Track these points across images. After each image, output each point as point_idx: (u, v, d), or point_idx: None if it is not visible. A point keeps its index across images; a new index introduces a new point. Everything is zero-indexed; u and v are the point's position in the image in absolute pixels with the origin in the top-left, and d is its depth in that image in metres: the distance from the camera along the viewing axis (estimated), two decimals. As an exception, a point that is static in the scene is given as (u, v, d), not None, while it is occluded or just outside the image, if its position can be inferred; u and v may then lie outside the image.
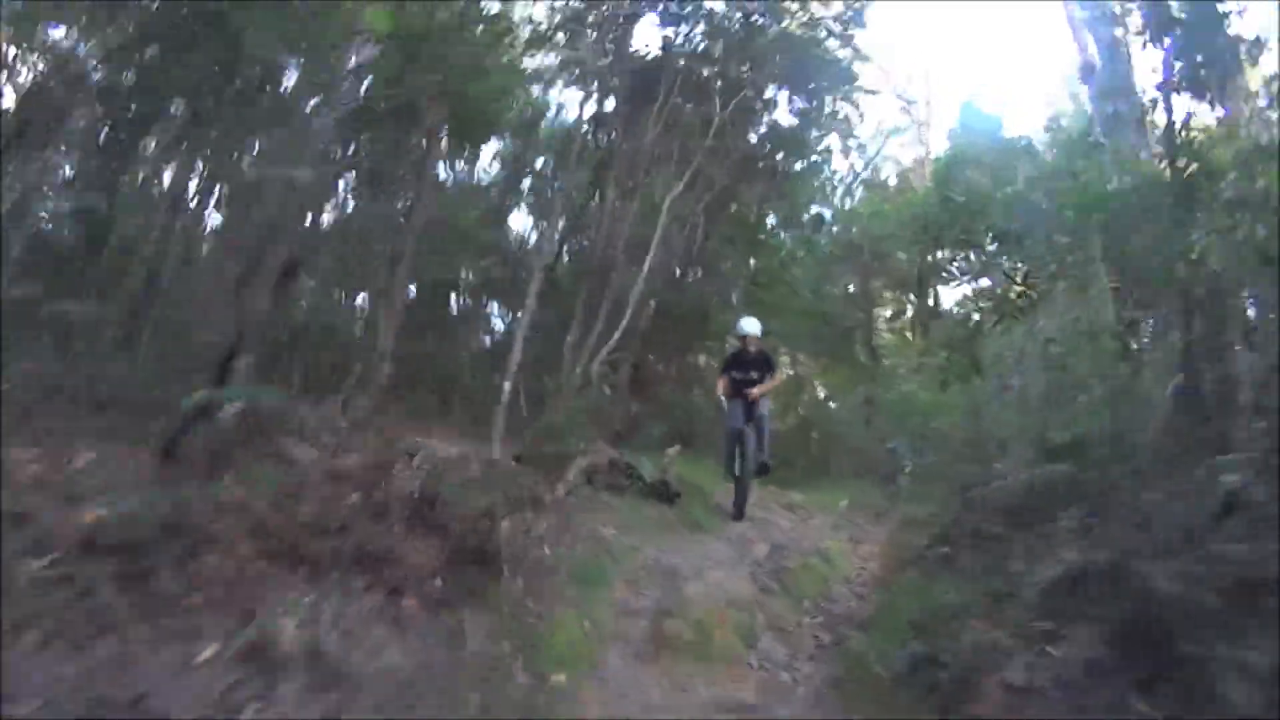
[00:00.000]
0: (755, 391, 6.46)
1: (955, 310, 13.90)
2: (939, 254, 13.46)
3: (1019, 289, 5.42)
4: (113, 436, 2.94)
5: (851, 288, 14.21)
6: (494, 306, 12.23)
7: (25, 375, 3.41)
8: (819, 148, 10.54)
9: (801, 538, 5.69)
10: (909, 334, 13.70)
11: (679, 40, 8.43)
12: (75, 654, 1.85)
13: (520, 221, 13.38)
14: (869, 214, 13.04)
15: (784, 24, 8.19)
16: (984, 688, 2.22)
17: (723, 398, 6.63)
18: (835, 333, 13.21)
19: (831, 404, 13.49)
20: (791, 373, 13.58)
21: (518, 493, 3.58)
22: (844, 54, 8.73)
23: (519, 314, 7.26)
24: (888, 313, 15.37)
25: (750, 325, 6.90)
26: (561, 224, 8.56)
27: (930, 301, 13.83)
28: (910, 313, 14.22)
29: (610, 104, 8.82)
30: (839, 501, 7.75)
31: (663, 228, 7.68)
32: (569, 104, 11.24)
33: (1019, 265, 5.86)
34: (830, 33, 8.44)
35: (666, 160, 8.44)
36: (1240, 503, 2.72)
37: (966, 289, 13.54)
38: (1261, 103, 4.85)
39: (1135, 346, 4.29)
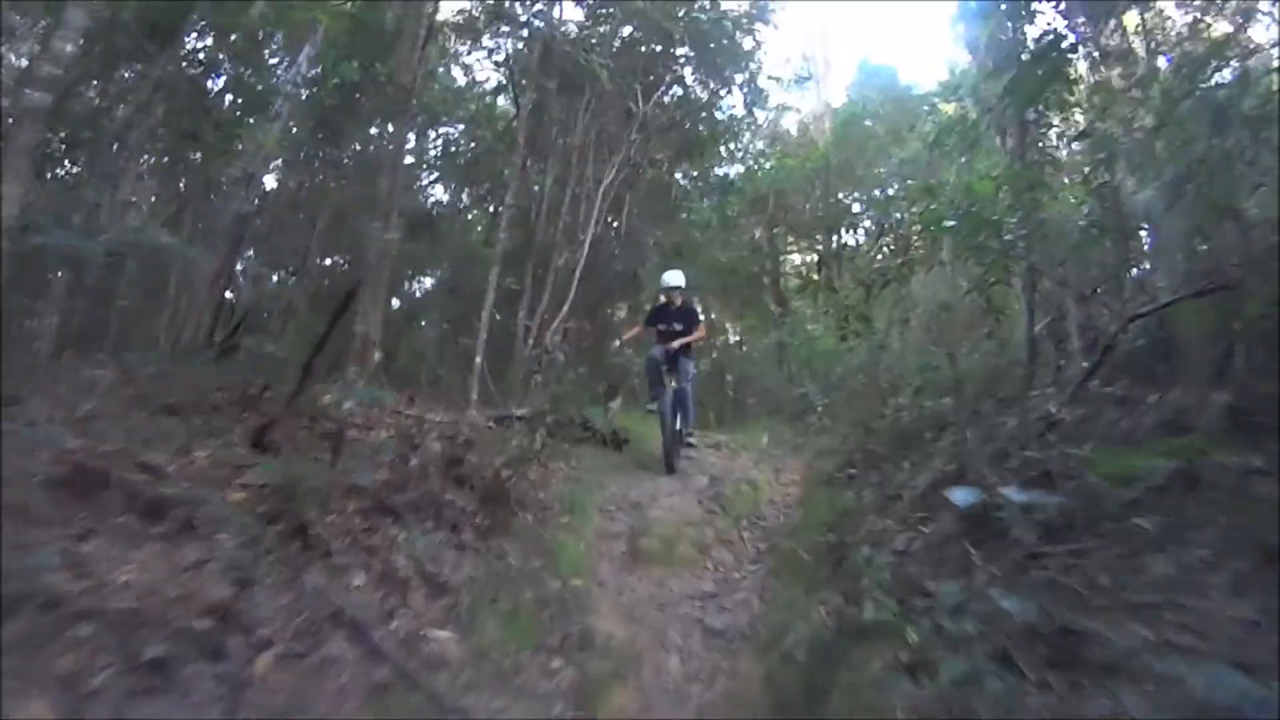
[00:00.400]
0: (676, 343, 6.55)
1: (860, 247, 15.12)
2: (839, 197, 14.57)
3: (899, 260, 6.45)
4: (209, 434, 3.57)
5: (758, 234, 15.02)
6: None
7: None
8: (726, 115, 11.17)
9: (731, 471, 6.68)
10: (816, 276, 14.61)
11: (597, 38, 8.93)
12: (288, 588, 2.59)
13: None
14: (773, 169, 13.84)
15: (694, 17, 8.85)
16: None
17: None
18: (743, 281, 14.15)
19: (744, 349, 14.56)
20: (702, 318, 14.42)
21: (514, 449, 4.40)
22: (749, 44, 9.51)
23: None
24: (795, 258, 16.41)
25: (673, 278, 7.03)
26: (508, 212, 9.09)
27: (835, 243, 14.93)
28: (817, 258, 15.24)
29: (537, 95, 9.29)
30: (759, 438, 8.77)
31: (598, 210, 8.40)
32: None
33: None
34: (736, 26, 9.16)
35: (594, 148, 9.08)
36: (1054, 423, 3.81)
37: (868, 224, 14.81)
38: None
39: (995, 306, 5.35)
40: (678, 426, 6.48)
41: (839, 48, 30.70)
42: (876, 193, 14.08)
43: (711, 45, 9.03)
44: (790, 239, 15.91)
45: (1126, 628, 2.04)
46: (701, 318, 7.22)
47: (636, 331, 7.14)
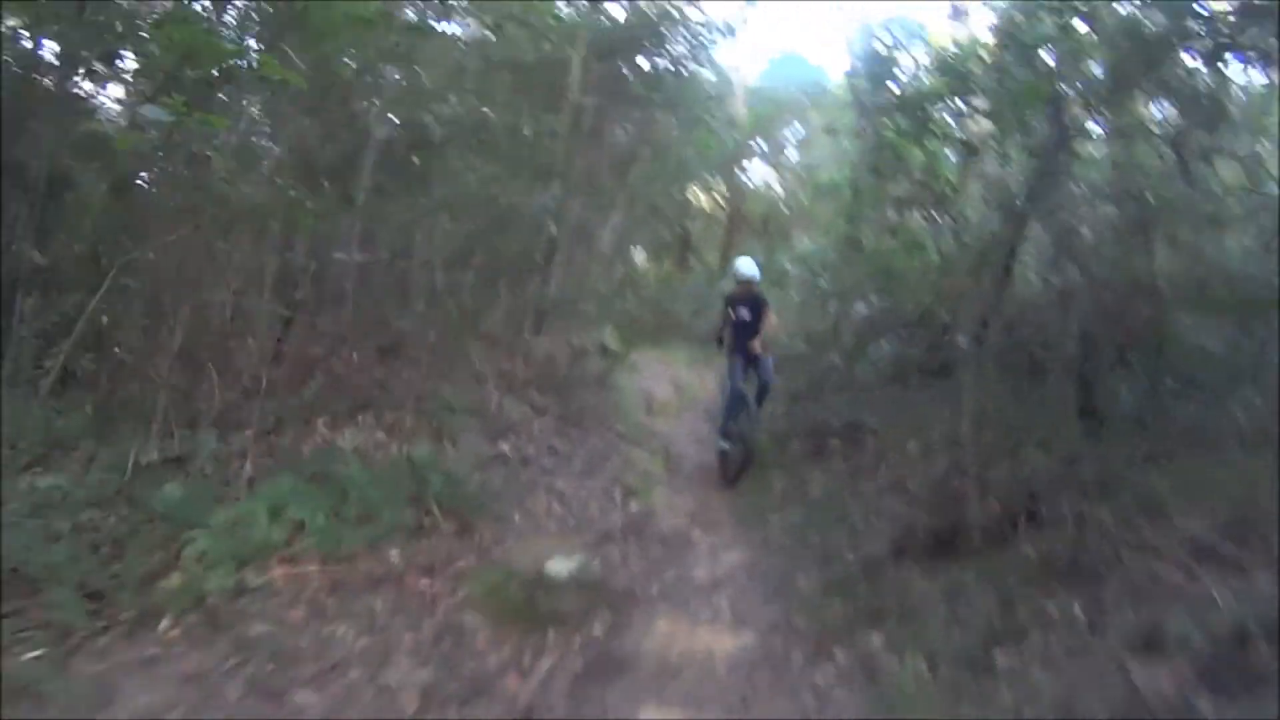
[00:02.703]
0: (758, 344, 6.31)
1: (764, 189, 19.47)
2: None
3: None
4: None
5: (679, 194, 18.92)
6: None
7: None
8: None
9: (678, 375, 11.49)
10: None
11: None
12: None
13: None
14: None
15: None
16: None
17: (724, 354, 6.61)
18: (665, 230, 18.36)
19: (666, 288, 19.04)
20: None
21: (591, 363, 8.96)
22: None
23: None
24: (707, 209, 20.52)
25: (747, 267, 6.74)
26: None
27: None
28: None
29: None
30: (682, 356, 13.61)
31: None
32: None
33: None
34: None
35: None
36: (836, 374, 8.79)
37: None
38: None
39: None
40: (753, 415, 6.44)
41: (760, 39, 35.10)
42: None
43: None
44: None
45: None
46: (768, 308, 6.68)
47: (726, 334, 6.70)
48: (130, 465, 3.17)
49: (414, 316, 5.77)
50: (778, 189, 19.46)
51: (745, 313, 6.47)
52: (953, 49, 6.85)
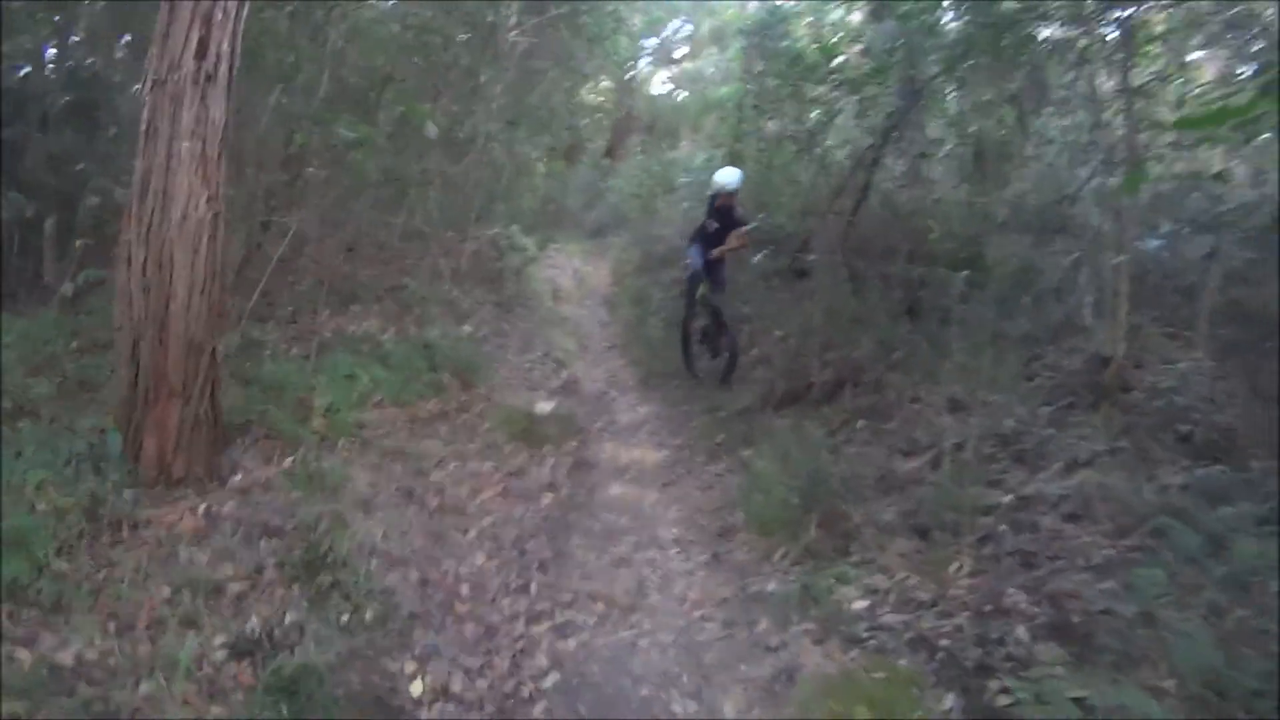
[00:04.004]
0: (720, 250, 6.55)
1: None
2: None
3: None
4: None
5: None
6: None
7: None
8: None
9: (576, 268, 12.81)
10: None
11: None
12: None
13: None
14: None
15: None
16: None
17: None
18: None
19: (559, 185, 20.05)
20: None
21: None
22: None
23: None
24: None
25: (728, 177, 6.69)
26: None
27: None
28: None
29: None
30: (577, 248, 14.89)
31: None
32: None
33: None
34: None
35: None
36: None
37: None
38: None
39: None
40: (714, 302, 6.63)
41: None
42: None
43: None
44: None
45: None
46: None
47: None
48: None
49: (368, 220, 6.74)
50: (667, 91, 20.50)
51: (713, 224, 6.67)
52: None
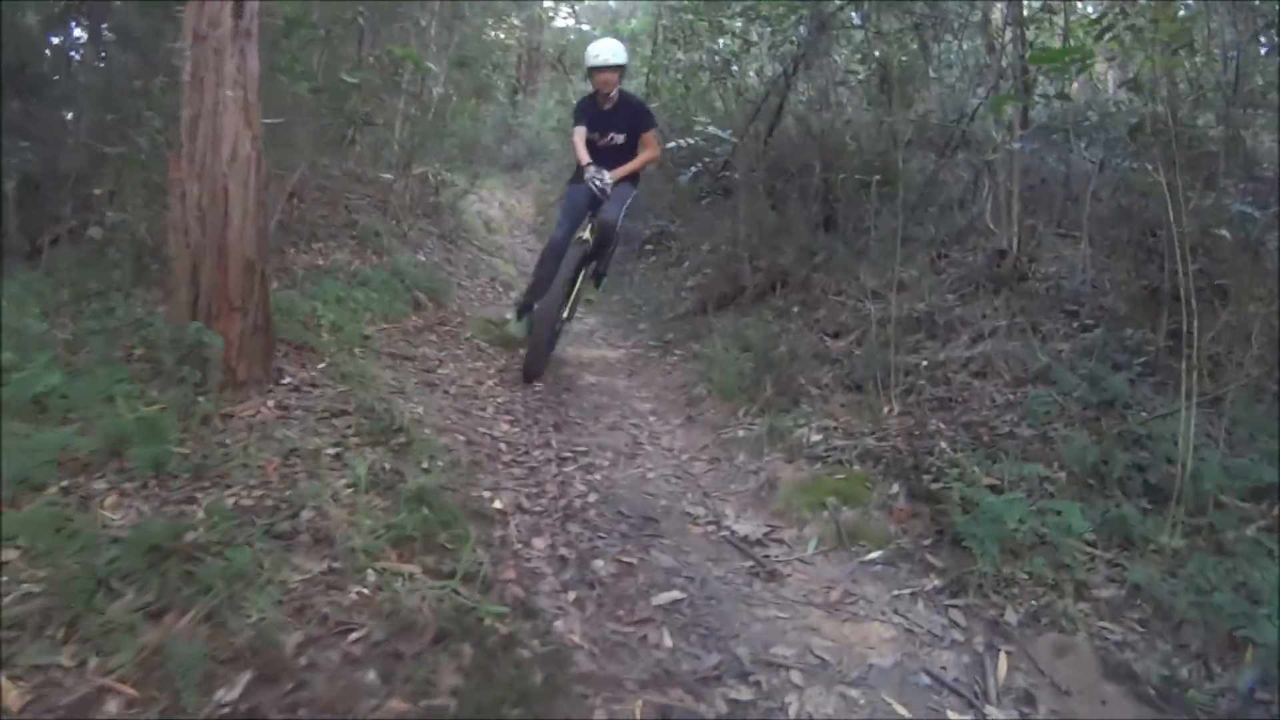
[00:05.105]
0: (613, 175, 4.71)
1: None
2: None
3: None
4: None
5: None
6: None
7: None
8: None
9: (501, 200, 13.18)
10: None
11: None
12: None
13: None
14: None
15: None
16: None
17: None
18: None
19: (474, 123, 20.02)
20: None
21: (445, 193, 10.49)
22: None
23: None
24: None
25: (606, 51, 4.85)
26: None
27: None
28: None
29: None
30: (502, 184, 15.20)
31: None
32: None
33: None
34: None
35: None
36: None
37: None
38: None
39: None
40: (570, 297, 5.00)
41: None
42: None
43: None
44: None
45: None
46: (656, 125, 5.27)
47: (580, 147, 4.89)
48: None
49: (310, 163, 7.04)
50: (571, 26, 20.57)
51: (615, 135, 4.95)
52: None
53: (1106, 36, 4.18)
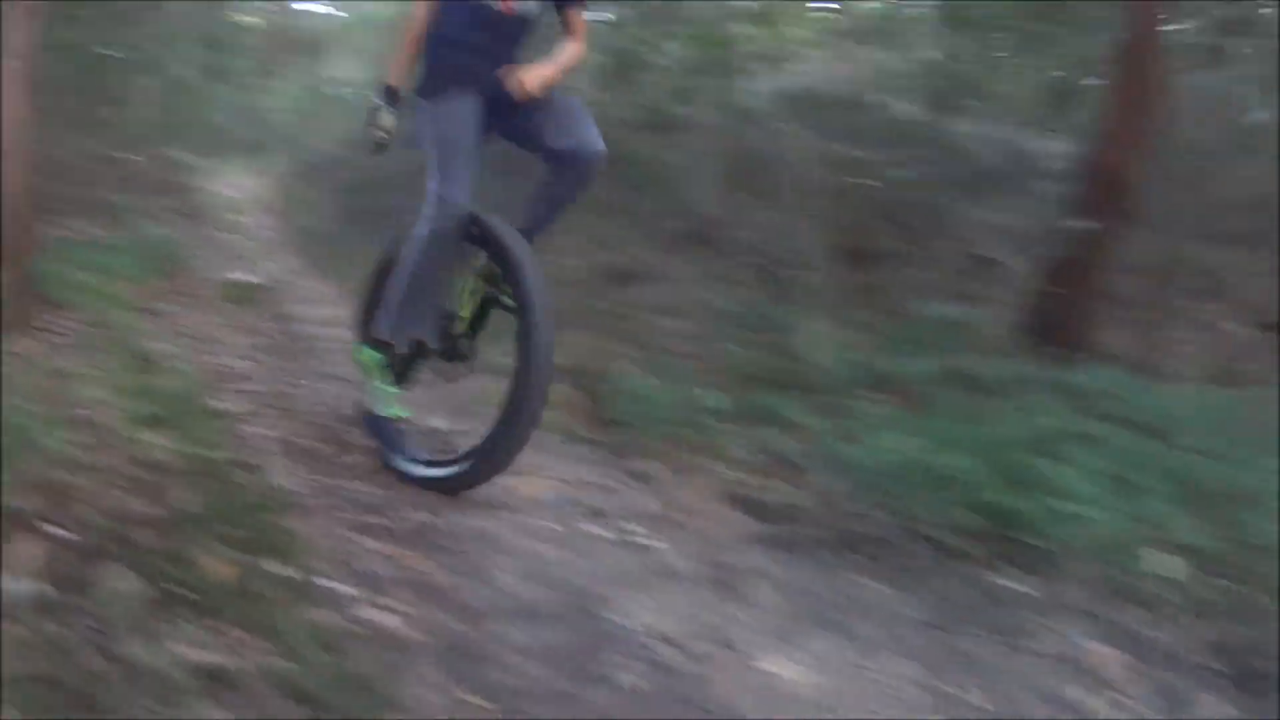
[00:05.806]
0: (539, 72, 2.58)
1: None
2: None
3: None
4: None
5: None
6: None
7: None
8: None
9: (241, 182, 13.35)
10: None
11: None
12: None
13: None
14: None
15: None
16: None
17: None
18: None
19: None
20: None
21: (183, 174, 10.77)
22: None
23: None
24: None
25: None
26: None
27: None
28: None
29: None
30: (239, 166, 15.20)
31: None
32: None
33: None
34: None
35: None
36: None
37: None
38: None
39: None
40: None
41: None
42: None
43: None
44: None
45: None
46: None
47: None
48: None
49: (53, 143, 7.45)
50: (323, 13, 20.50)
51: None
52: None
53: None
